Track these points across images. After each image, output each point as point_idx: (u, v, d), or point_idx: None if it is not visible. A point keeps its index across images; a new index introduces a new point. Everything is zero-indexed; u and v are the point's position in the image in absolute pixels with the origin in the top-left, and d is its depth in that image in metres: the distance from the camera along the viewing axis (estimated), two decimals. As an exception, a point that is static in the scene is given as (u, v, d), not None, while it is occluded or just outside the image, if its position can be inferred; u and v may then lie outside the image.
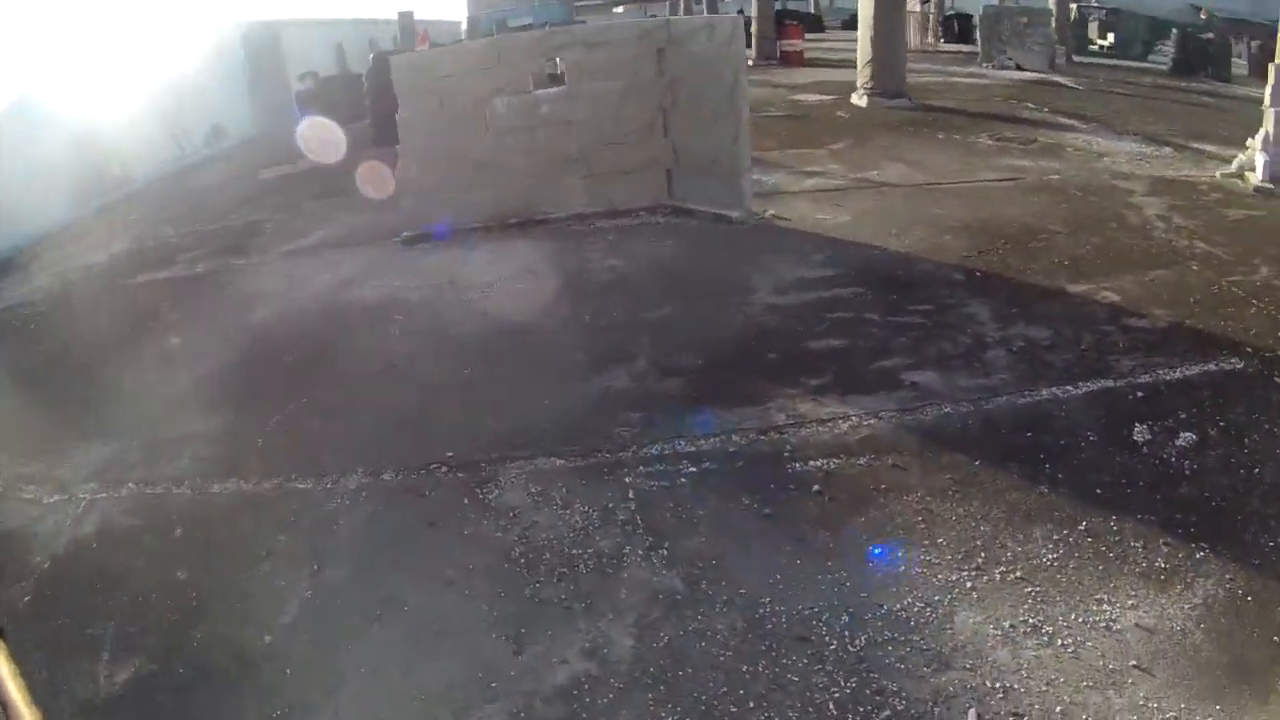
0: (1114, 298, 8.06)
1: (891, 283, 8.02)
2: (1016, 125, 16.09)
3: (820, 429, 5.59)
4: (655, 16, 11.70)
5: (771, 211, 9.98)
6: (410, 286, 8.39)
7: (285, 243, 10.66)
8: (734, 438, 5.45)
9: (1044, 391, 6.13)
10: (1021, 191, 11.39)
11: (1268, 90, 13.05)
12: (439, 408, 6.06)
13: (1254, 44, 32.46)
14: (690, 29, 9.38)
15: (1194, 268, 9.09)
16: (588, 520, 4.65)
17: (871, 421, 5.70)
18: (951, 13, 34.88)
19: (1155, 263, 9.03)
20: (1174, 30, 29.70)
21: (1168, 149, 14.80)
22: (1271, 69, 13.10)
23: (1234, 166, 13.28)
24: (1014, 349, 6.90)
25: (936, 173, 12.16)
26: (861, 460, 5.24)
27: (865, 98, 17.29)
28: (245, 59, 19.16)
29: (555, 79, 10.41)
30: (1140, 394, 5.95)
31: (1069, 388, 6.17)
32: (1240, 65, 29.62)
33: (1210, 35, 29.97)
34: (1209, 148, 15.28)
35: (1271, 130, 12.94)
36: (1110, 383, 6.26)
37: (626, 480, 4.96)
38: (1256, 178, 12.54)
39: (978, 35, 26.21)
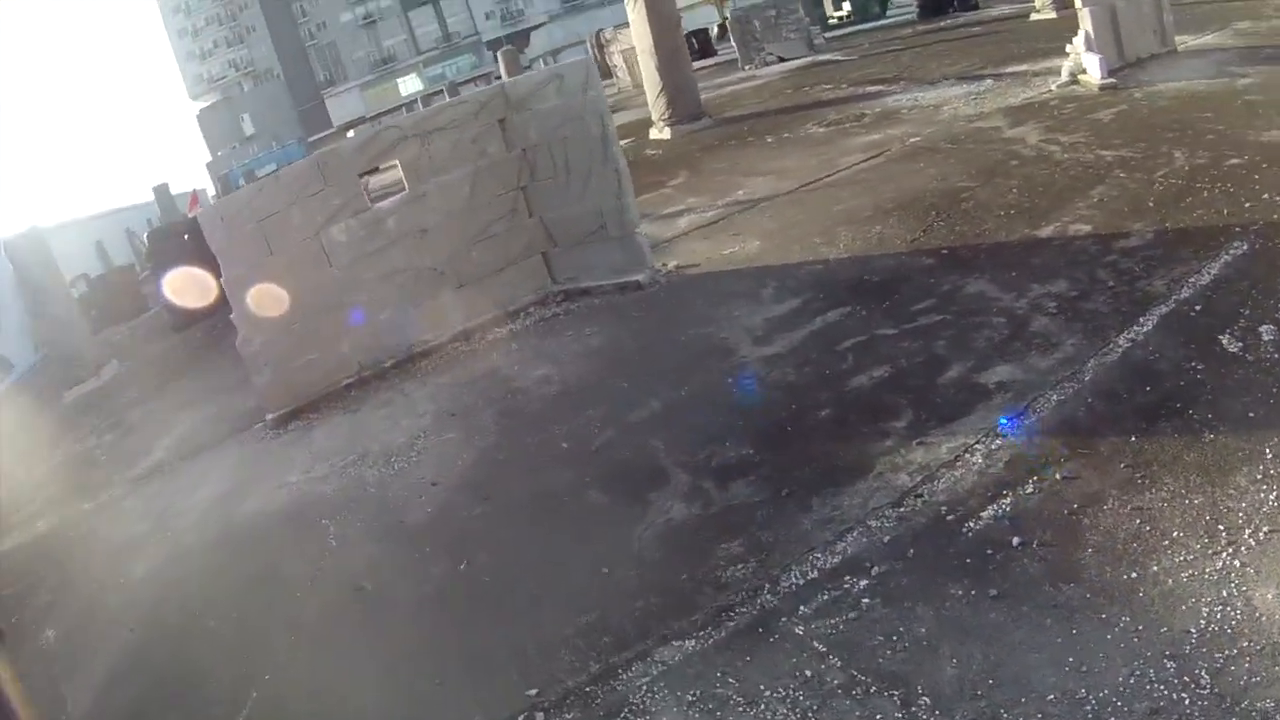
0: (1085, 228, 7.81)
1: (870, 291, 7.29)
2: (831, 107, 16.15)
3: (956, 472, 4.64)
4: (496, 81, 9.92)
5: (674, 264, 9.10)
6: (316, 477, 6.81)
7: (127, 468, 8.71)
8: (873, 524, 4.41)
9: (1120, 340, 5.71)
10: (899, 162, 11.14)
11: None
12: (465, 629, 4.52)
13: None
14: (533, 87, 8.44)
15: (1120, 175, 8.99)
16: (800, 709, 3.44)
17: (999, 441, 4.87)
18: (685, 33, 35.90)
19: (1083, 182, 8.89)
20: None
21: (987, 81, 15.21)
22: None
23: (1065, 76, 13.70)
24: (1050, 311, 6.36)
25: (800, 173, 11.75)
26: (1027, 488, 4.39)
27: (667, 129, 16.94)
28: (14, 275, 17.10)
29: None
30: (1196, 307, 5.87)
31: (1136, 328, 5.81)
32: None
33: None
34: (1021, 68, 15.87)
35: (1091, 29, 13.46)
36: (1163, 308, 6.00)
37: (799, 632, 3.77)
38: (1096, 78, 12.95)
39: (732, 41, 26.89)
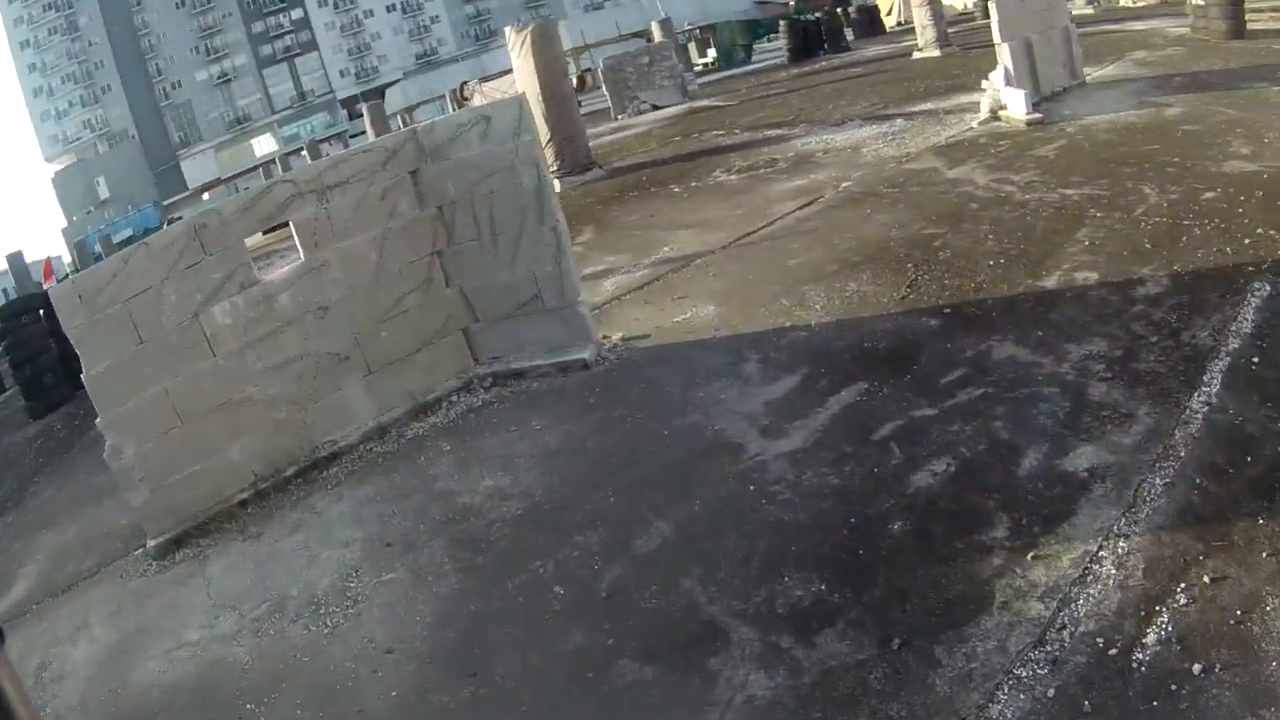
0: (1091, 275, 7.41)
1: (880, 362, 6.46)
2: (733, 153, 15.62)
3: (1092, 590, 3.86)
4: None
5: (618, 335, 8.09)
6: (224, 635, 5.24)
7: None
8: (1023, 674, 3.46)
9: (1194, 405, 5.27)
10: (841, 209, 10.56)
11: (995, 29, 13.55)
12: None
13: (850, 11, 36.15)
14: (452, 131, 7.29)
15: (1097, 215, 8.68)
16: None
17: (1123, 543, 4.13)
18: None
19: (1062, 224, 8.55)
20: (780, 23, 32.05)
21: (897, 121, 15.07)
22: (992, 7, 13.61)
23: (984, 112, 13.58)
24: (1103, 375, 5.77)
25: (730, 225, 11.01)
26: (1179, 598, 3.77)
27: (556, 181, 16.00)
28: None
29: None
30: (1254, 359, 5.65)
31: (1204, 389, 5.41)
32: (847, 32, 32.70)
33: (817, 15, 32.73)
34: (927, 106, 15.90)
35: (1010, 64, 13.33)
36: (1220, 363, 5.67)
37: None
38: (1021, 113, 12.83)
39: (604, 90, 26.37)
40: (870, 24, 35.79)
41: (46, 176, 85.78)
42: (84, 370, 6.66)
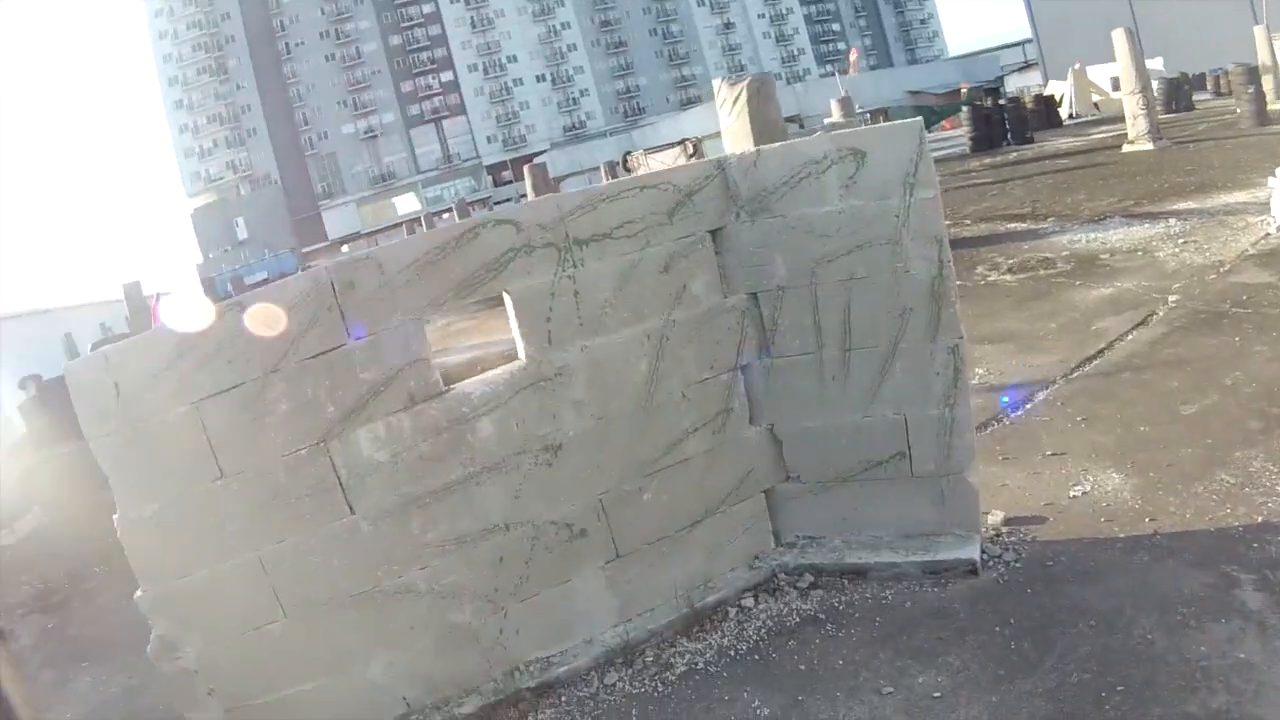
0: None
1: None
2: (985, 247, 12.63)
3: None
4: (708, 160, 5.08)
5: (997, 515, 5.00)
6: None
7: None
8: None
9: None
10: (1196, 334, 7.65)
11: None
12: None
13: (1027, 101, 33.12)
14: (793, 167, 4.31)
15: None
16: None
17: None
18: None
19: None
20: (961, 109, 29.21)
21: (1170, 221, 12.12)
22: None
23: (1278, 217, 10.47)
24: None
25: (1049, 343, 8.05)
26: None
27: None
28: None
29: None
30: None
31: None
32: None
33: (1002, 103, 29.81)
34: (1189, 205, 13.04)
35: None
36: None
37: None
38: None
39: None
40: (1047, 115, 32.52)
41: (187, 212, 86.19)
42: (118, 513, 3.80)
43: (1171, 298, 8.67)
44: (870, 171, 4.27)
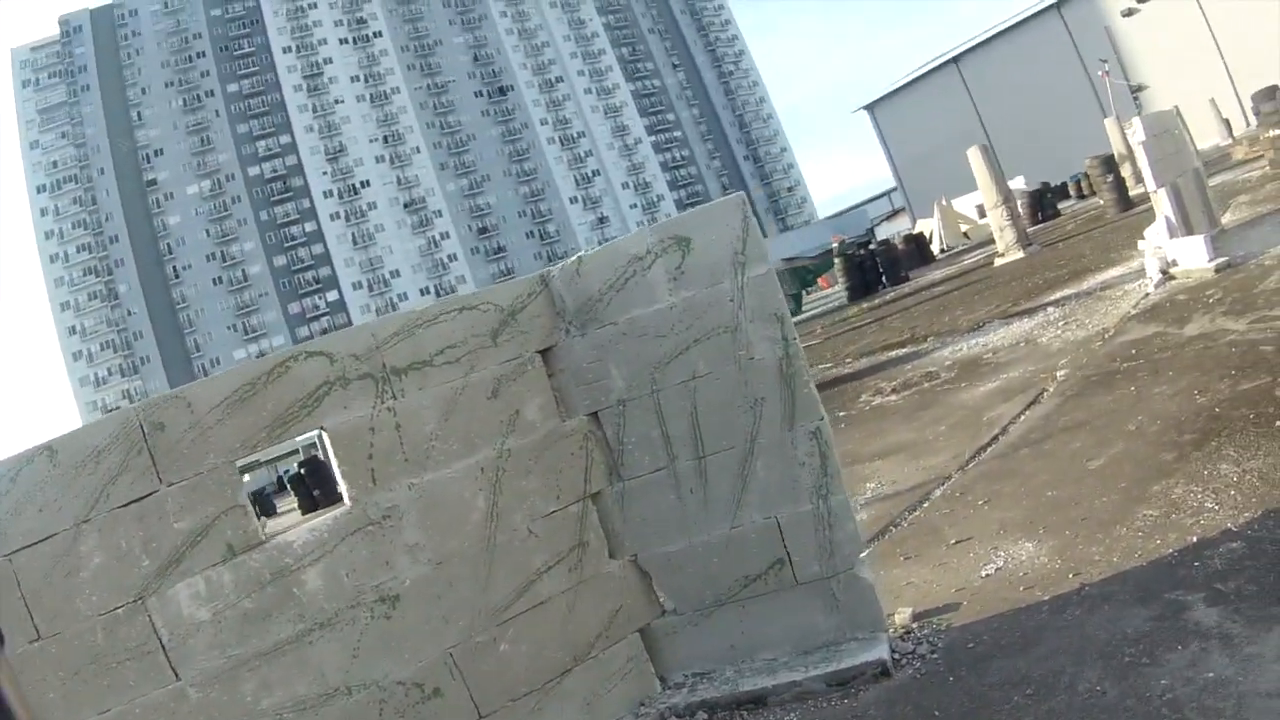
0: None
1: None
2: (867, 378, 12.71)
3: None
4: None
5: (904, 613, 4.56)
6: None
7: None
8: None
9: None
10: (1090, 395, 7.66)
11: (1147, 176, 11.76)
12: None
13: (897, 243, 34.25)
14: (617, 269, 3.99)
15: None
16: None
17: None
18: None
19: None
20: (836, 261, 29.99)
21: (1049, 310, 12.62)
22: (1139, 150, 11.90)
23: (1155, 274, 11.66)
24: None
25: (941, 445, 7.83)
26: None
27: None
28: None
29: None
30: None
31: None
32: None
33: (872, 248, 30.70)
34: (1066, 292, 13.53)
35: (1171, 214, 11.01)
36: None
37: None
38: (1204, 263, 10.74)
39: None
40: (919, 253, 33.67)
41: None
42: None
43: (1060, 372, 8.65)
44: (697, 258, 4.02)
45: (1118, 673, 3.37)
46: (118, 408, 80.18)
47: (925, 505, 6.31)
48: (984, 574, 4.78)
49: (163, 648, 3.51)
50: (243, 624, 3.60)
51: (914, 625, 4.40)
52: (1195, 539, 4.19)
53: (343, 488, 3.85)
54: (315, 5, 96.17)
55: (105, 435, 3.58)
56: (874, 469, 7.75)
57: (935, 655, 4.06)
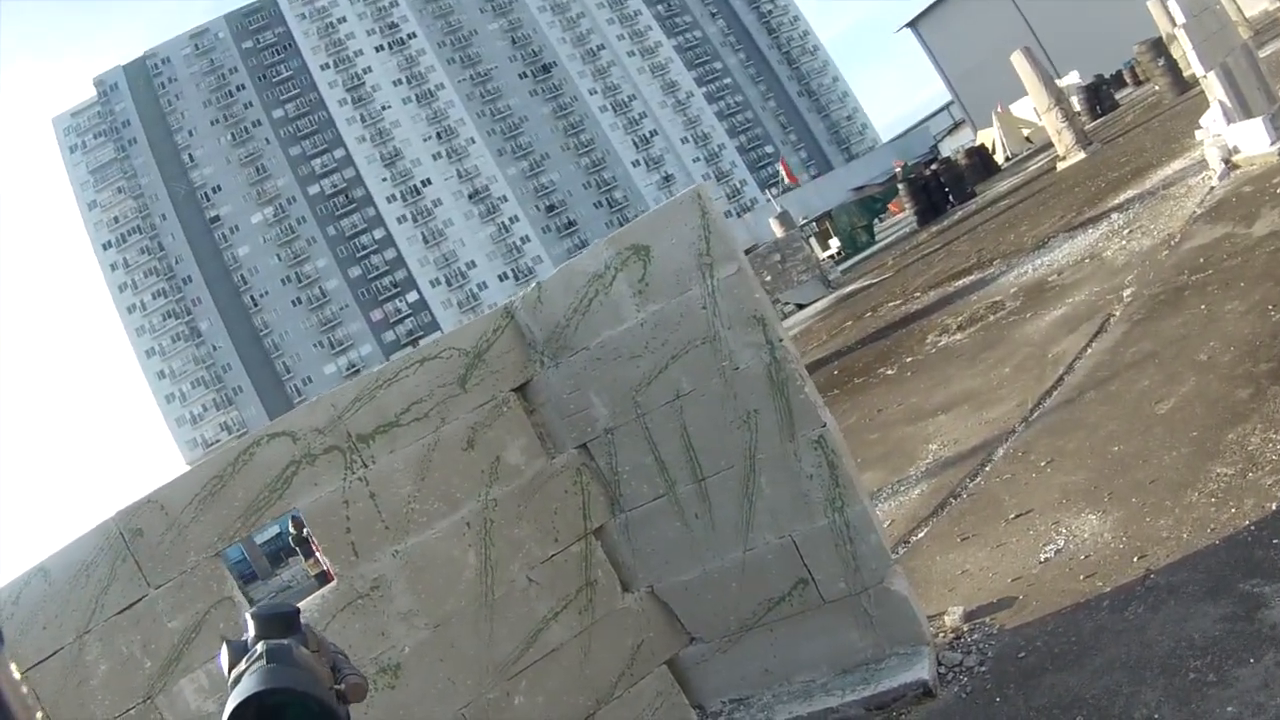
0: None
1: None
2: (933, 314, 12.02)
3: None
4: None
5: (955, 612, 4.16)
6: None
7: None
8: None
9: None
10: (1157, 320, 6.99)
11: (1193, 59, 10.87)
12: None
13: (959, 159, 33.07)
14: (577, 290, 3.69)
15: None
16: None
17: None
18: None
19: None
20: (897, 189, 29.12)
21: (1113, 217, 11.74)
22: (1181, 35, 10.97)
23: (1218, 165, 10.68)
24: None
25: (1005, 391, 7.33)
26: None
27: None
28: None
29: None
30: None
31: None
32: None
33: (934, 167, 29.71)
34: (1130, 194, 12.56)
35: (1224, 96, 10.35)
36: None
37: None
38: (1269, 146, 9.78)
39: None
40: (984, 165, 32.35)
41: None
42: None
43: (1126, 292, 8.04)
44: (659, 266, 3.67)
45: (1179, 695, 2.96)
46: (217, 441, 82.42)
47: (986, 469, 5.87)
48: (1043, 558, 4.35)
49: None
50: None
51: (965, 627, 4.01)
52: (1276, 505, 3.70)
53: (327, 567, 3.65)
54: (344, 19, 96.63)
55: (91, 549, 3.59)
56: (937, 425, 7.31)
57: (984, 668, 3.68)
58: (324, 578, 16.17)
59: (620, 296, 3.71)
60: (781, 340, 3.60)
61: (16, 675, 3.28)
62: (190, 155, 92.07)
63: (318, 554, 16.14)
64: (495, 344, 3.89)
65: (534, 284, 3.90)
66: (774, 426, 3.61)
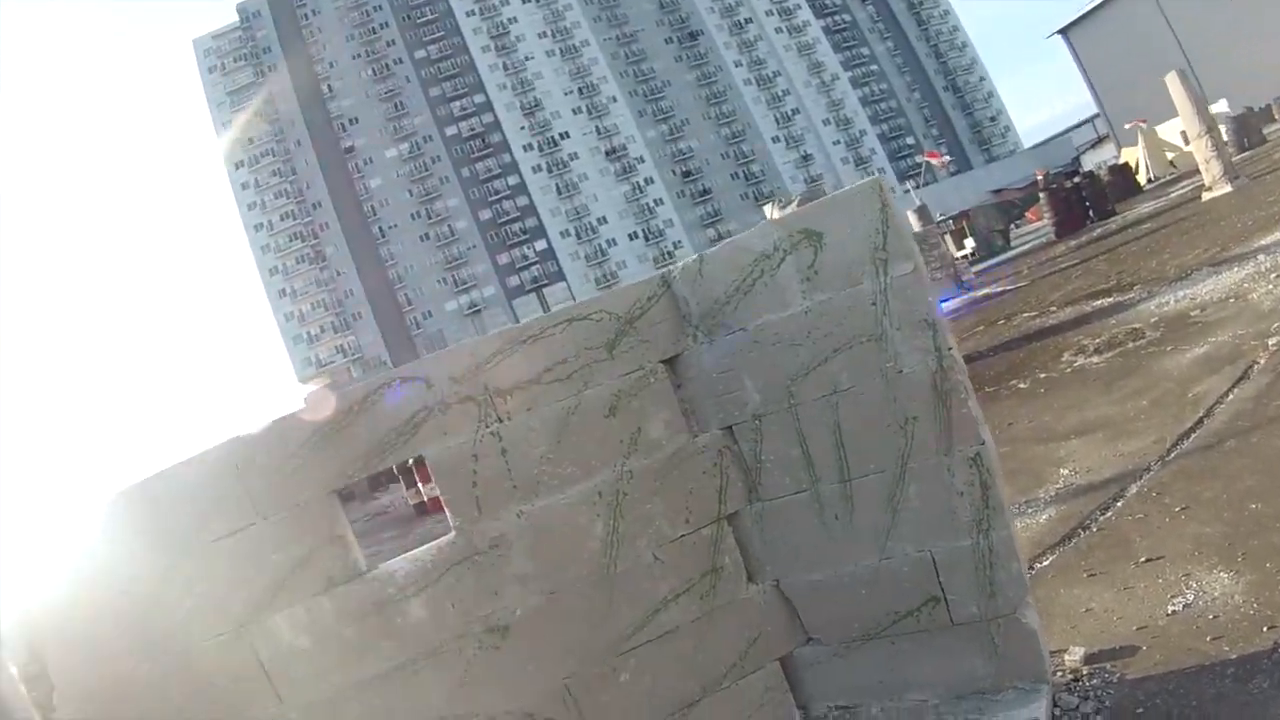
0: None
1: None
2: (1069, 332, 11.55)
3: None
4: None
5: (1076, 653, 3.94)
6: None
7: None
8: None
9: None
10: None
11: None
12: None
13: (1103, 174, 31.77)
14: (741, 270, 3.56)
15: None
16: None
17: None
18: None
19: None
20: (1041, 195, 28.15)
21: (1260, 259, 10.85)
22: None
23: None
24: None
25: (1141, 424, 6.92)
26: None
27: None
28: None
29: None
30: None
31: None
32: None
33: (1077, 180, 28.66)
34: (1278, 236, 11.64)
35: None
36: None
37: None
38: None
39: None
40: (1125, 184, 31.00)
41: (299, 396, 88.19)
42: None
43: (1272, 340, 7.53)
44: (831, 255, 3.47)
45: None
46: (332, 363, 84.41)
47: (1118, 505, 5.54)
48: (1170, 609, 4.05)
49: (265, 672, 3.42)
50: (344, 653, 3.46)
51: (1084, 670, 3.77)
52: None
53: (449, 518, 3.58)
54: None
55: (200, 476, 3.46)
56: (1069, 450, 6.96)
57: (1099, 718, 3.45)
58: (422, 508, 16.43)
59: (787, 280, 3.54)
60: (950, 349, 3.41)
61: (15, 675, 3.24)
62: (329, 86, 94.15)
63: (419, 484, 16.42)
64: (648, 312, 3.76)
65: (697, 256, 3.76)
66: (931, 437, 3.42)
